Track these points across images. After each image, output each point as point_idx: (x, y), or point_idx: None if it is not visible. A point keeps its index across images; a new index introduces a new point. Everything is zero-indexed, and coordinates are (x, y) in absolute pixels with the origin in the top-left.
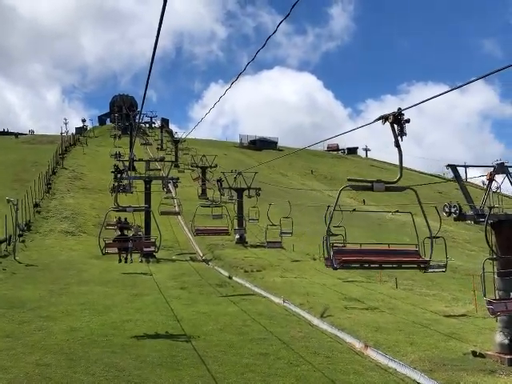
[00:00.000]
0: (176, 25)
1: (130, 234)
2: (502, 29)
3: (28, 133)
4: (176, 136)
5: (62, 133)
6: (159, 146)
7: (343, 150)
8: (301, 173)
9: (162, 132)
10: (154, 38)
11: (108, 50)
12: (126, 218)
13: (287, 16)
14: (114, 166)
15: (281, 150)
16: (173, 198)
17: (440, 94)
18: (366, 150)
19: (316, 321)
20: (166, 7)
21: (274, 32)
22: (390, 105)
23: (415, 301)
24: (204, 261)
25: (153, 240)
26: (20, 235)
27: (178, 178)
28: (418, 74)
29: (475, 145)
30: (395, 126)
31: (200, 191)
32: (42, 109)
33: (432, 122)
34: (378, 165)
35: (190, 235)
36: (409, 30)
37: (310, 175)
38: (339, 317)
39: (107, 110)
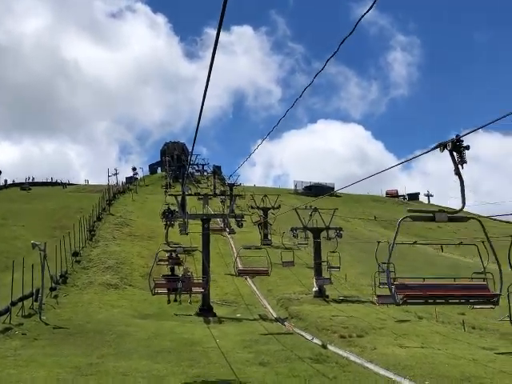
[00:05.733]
0: (234, 84)
1: (180, 272)
2: None
3: (84, 183)
4: (229, 181)
5: (109, 175)
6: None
7: (403, 196)
8: (363, 219)
9: (214, 178)
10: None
11: (167, 111)
12: (177, 254)
13: (335, 53)
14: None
15: (339, 196)
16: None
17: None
18: (428, 195)
19: None
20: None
21: (322, 68)
22: (443, 155)
23: None
24: (278, 320)
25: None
26: (52, 289)
27: (242, 216)
28: (467, 123)
29: None
30: (454, 153)
31: (262, 236)
32: (99, 166)
33: (488, 169)
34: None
35: (254, 287)
36: (458, 79)
37: (374, 221)
38: None
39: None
